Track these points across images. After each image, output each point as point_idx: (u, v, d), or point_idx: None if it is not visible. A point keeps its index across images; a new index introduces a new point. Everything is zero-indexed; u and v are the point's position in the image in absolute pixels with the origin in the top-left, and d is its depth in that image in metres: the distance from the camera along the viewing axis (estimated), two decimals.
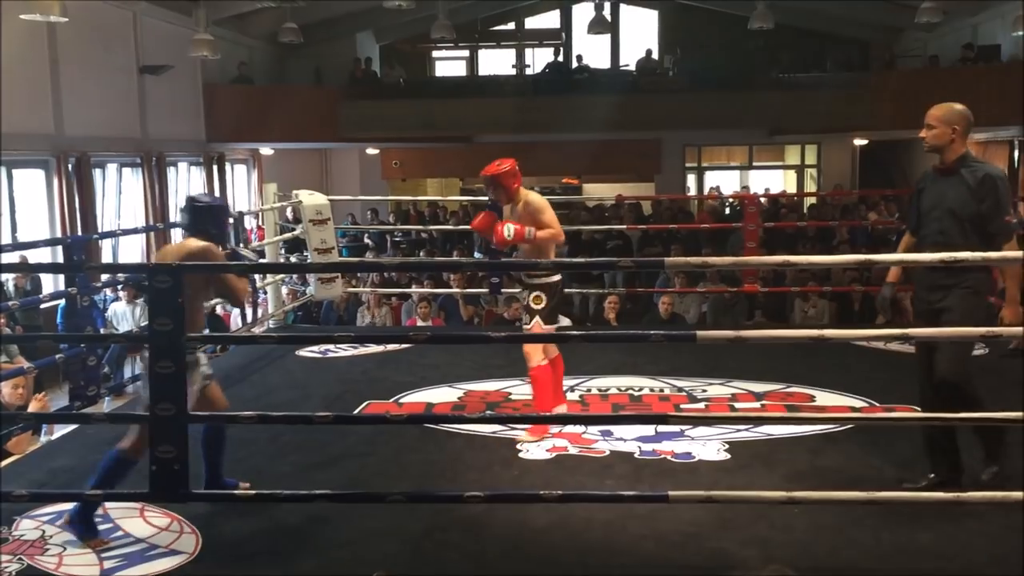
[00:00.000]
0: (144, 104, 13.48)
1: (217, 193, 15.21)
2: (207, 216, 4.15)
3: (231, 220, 4.36)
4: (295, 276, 10.39)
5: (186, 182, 15.04)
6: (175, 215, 14.09)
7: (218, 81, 15.58)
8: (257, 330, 8.01)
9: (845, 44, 18.83)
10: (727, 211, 15.63)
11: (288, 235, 8.85)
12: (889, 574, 3.48)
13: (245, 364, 6.83)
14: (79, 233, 11.28)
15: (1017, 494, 3.43)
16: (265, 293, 8.54)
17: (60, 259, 9.11)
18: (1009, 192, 3.97)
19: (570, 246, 12.18)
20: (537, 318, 4.99)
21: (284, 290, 9.15)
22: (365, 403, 5.76)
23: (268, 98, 16.01)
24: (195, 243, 4.06)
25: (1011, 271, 3.91)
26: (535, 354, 4.99)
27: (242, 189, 17.08)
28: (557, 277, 5.09)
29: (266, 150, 17.12)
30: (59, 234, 11.20)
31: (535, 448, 4.83)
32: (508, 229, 4.95)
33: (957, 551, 3.60)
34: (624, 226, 11.47)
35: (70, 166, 11.64)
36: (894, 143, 18.09)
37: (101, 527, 3.87)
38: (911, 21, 14.52)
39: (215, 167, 15.45)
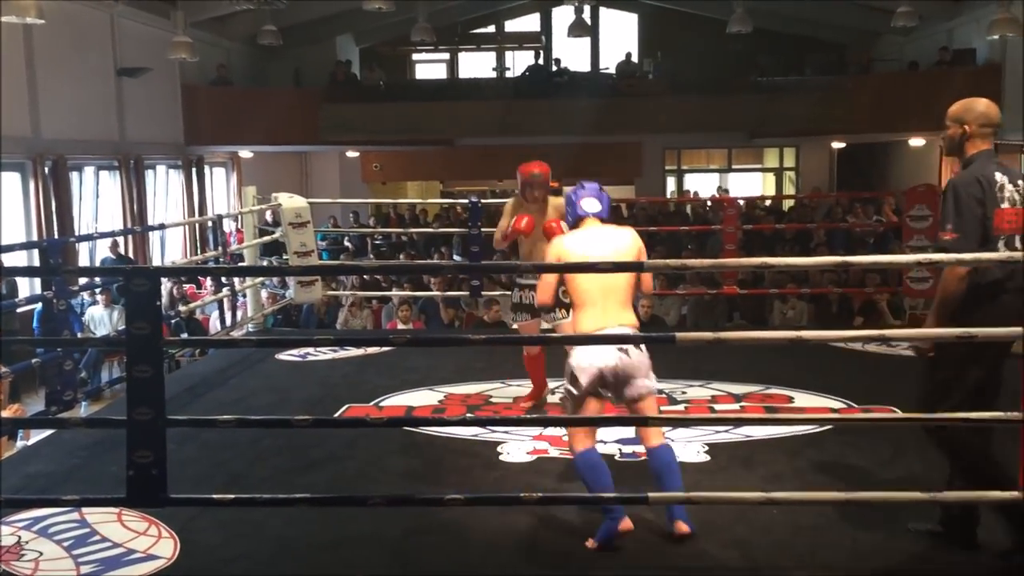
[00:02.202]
0: (122, 107, 13.39)
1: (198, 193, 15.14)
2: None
3: None
4: (275, 279, 10.35)
5: (164, 185, 14.95)
6: (153, 218, 14.02)
7: (197, 83, 15.49)
8: (236, 334, 7.97)
9: (823, 48, 18.97)
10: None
11: (267, 238, 8.81)
12: (867, 574, 3.51)
13: (224, 368, 6.79)
14: (56, 236, 11.19)
15: (992, 494, 3.47)
16: (244, 296, 8.50)
17: (36, 263, 9.03)
18: (957, 201, 3.42)
19: None
20: (528, 313, 5.14)
21: (264, 293, 9.11)
22: (345, 406, 5.75)
23: (247, 101, 15.94)
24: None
25: (945, 289, 3.46)
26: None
27: (221, 192, 16.98)
28: None
29: (245, 153, 17.03)
30: (36, 237, 11.10)
31: (515, 451, 4.83)
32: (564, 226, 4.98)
33: (934, 551, 3.63)
34: None
35: (47, 169, 11.55)
36: (872, 146, 18.24)
37: (78, 532, 3.84)
38: (888, 25, 14.66)
39: (194, 170, 15.36)
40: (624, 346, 3.71)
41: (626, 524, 3.64)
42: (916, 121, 14.57)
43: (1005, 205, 3.45)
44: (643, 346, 3.77)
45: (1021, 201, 3.51)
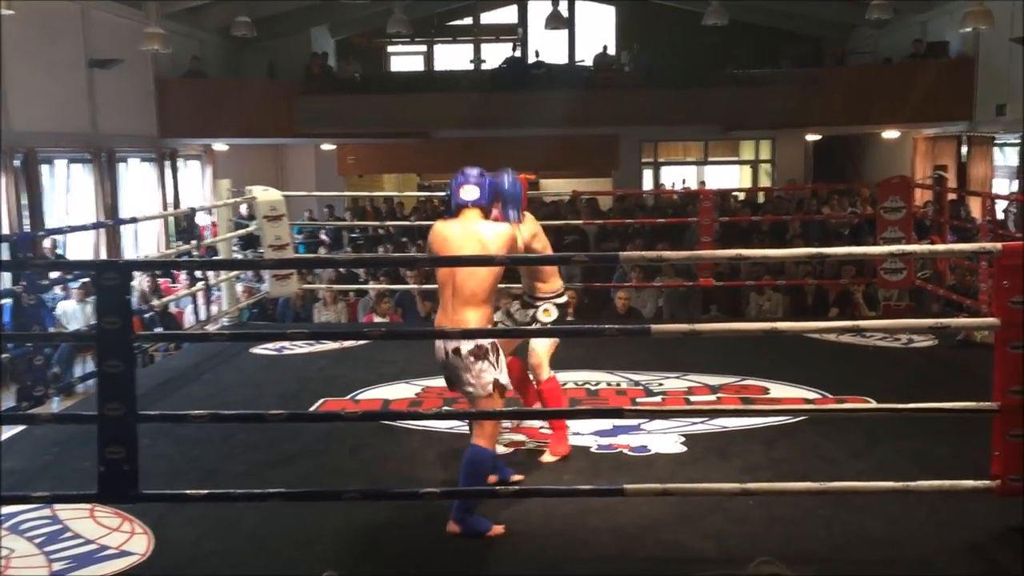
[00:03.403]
0: (94, 99, 13.22)
1: (172, 188, 15.01)
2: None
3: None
4: (250, 273, 10.28)
5: (137, 178, 14.79)
6: (126, 212, 13.87)
7: (170, 75, 15.33)
8: (211, 328, 7.90)
9: (798, 41, 19.04)
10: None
11: (242, 231, 8.74)
12: (842, 563, 3.53)
13: (199, 362, 6.73)
14: (27, 230, 11.04)
15: (965, 482, 3.50)
16: (219, 290, 8.43)
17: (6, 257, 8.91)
18: None
19: None
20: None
21: (239, 287, 9.04)
22: (321, 400, 5.71)
23: (221, 93, 15.79)
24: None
25: None
26: (545, 367, 4.64)
27: (196, 185, 16.84)
28: (565, 298, 4.76)
29: (220, 146, 16.89)
30: (5, 231, 10.95)
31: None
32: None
33: (908, 539, 3.66)
34: (581, 221, 11.50)
35: (17, 162, 11.39)
36: (847, 138, 18.34)
37: (49, 528, 3.80)
38: (862, 18, 14.73)
39: (167, 163, 15.21)
40: (450, 350, 3.74)
41: (497, 530, 3.71)
42: (890, 113, 14.66)
43: None
44: (471, 356, 3.72)
45: None
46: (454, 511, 3.70)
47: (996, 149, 13.64)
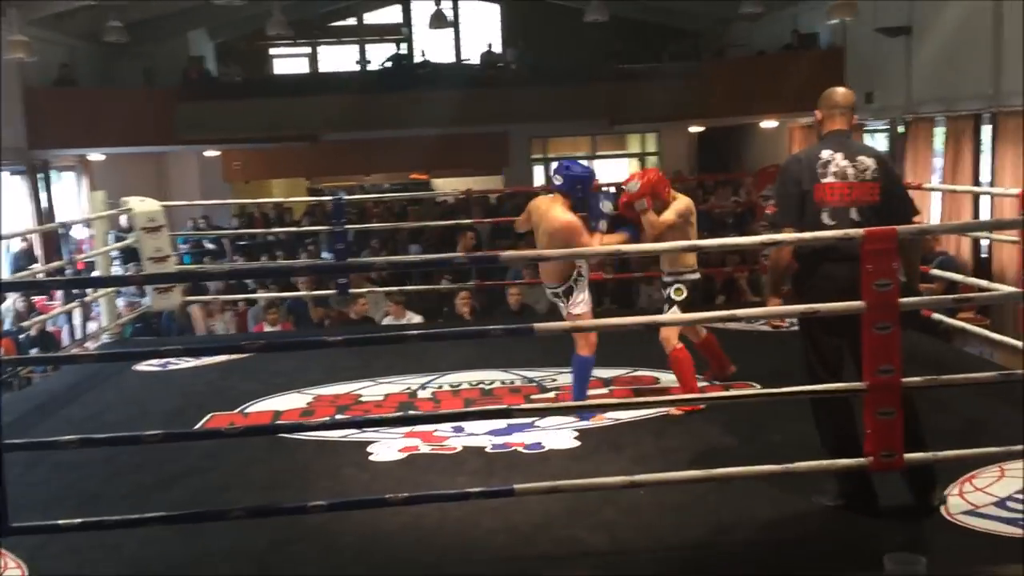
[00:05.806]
0: None
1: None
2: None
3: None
4: (132, 287, 9.92)
5: (8, 192, 14.09)
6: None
7: (39, 84, 14.66)
8: (91, 345, 7.59)
9: (679, 36, 19.48)
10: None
11: (120, 244, 8.43)
12: (729, 548, 3.62)
13: (78, 382, 6.45)
14: None
15: (842, 460, 3.62)
16: (99, 306, 8.12)
17: None
18: (779, 179, 3.88)
19: (420, 243, 12.15)
20: (676, 308, 5.30)
21: (120, 302, 8.72)
22: (209, 415, 5.55)
23: (95, 101, 15.18)
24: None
25: (770, 260, 3.93)
26: (672, 337, 5.29)
27: (71, 198, 16.14)
28: (697, 275, 5.41)
29: (96, 156, 16.25)
30: None
31: (386, 450, 4.77)
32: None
33: (792, 522, 3.78)
34: (471, 220, 11.49)
35: None
36: (728, 129, 18.85)
37: None
38: (736, 12, 15.16)
39: (40, 175, 14.54)
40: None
41: None
42: (766, 103, 15.11)
43: (829, 179, 3.74)
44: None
45: (855, 175, 3.77)
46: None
47: (867, 135, 14.21)
